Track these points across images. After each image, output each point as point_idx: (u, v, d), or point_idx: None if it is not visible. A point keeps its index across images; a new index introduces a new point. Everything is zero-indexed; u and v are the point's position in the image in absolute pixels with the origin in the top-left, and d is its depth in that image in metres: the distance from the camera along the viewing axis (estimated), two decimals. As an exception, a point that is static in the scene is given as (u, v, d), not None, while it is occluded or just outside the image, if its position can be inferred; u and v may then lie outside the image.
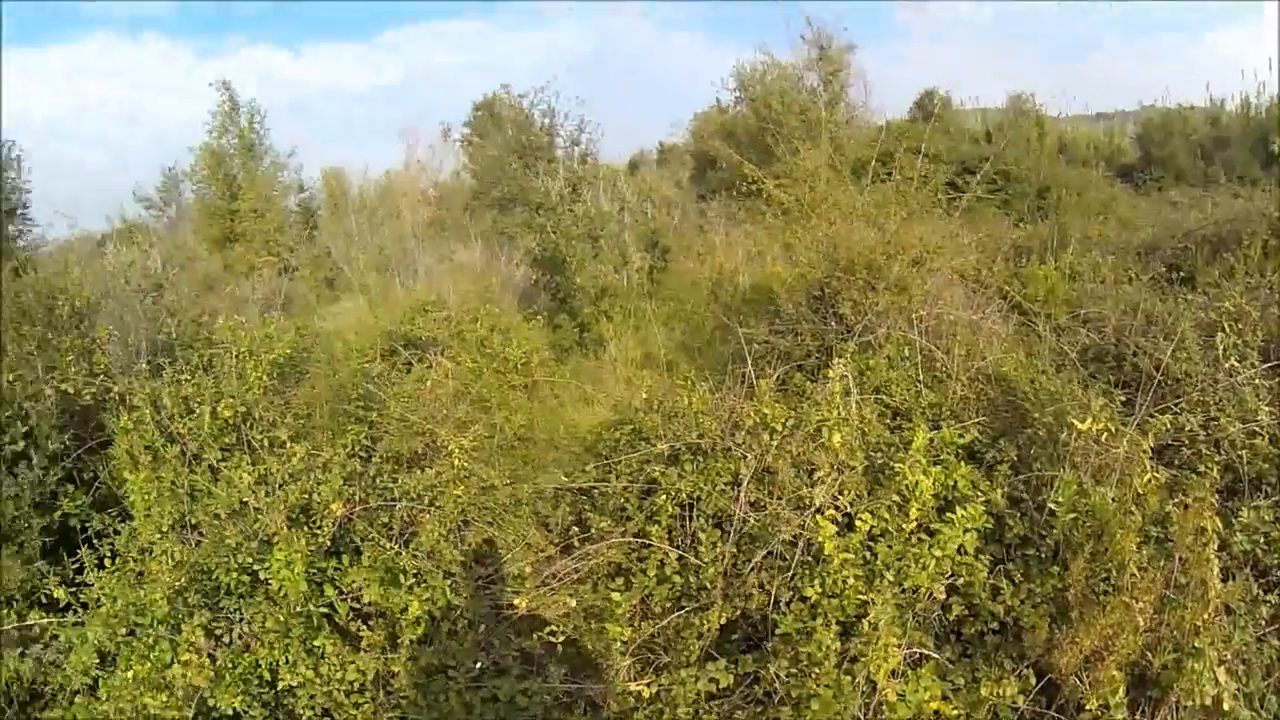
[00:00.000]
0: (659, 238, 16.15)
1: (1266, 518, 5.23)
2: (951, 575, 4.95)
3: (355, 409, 7.51)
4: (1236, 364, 6.46)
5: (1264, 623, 4.81)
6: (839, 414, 5.59)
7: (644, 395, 7.15)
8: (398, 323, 10.79)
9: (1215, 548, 4.70)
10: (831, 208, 8.74)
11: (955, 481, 5.19)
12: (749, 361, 6.77)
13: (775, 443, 5.63)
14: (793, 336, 8.15)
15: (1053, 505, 5.10)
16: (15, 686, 5.59)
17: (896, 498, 5.02)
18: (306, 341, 8.57)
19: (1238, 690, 4.48)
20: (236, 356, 6.48)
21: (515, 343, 10.42)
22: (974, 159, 17.95)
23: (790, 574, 5.15)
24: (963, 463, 5.32)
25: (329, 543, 5.67)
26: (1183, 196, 18.59)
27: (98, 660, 5.23)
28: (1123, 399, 6.27)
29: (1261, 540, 5.16)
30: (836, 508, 5.10)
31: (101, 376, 6.92)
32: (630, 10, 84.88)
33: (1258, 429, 5.96)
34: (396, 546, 5.73)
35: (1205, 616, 4.53)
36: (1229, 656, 4.55)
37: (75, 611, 5.44)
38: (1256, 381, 6.34)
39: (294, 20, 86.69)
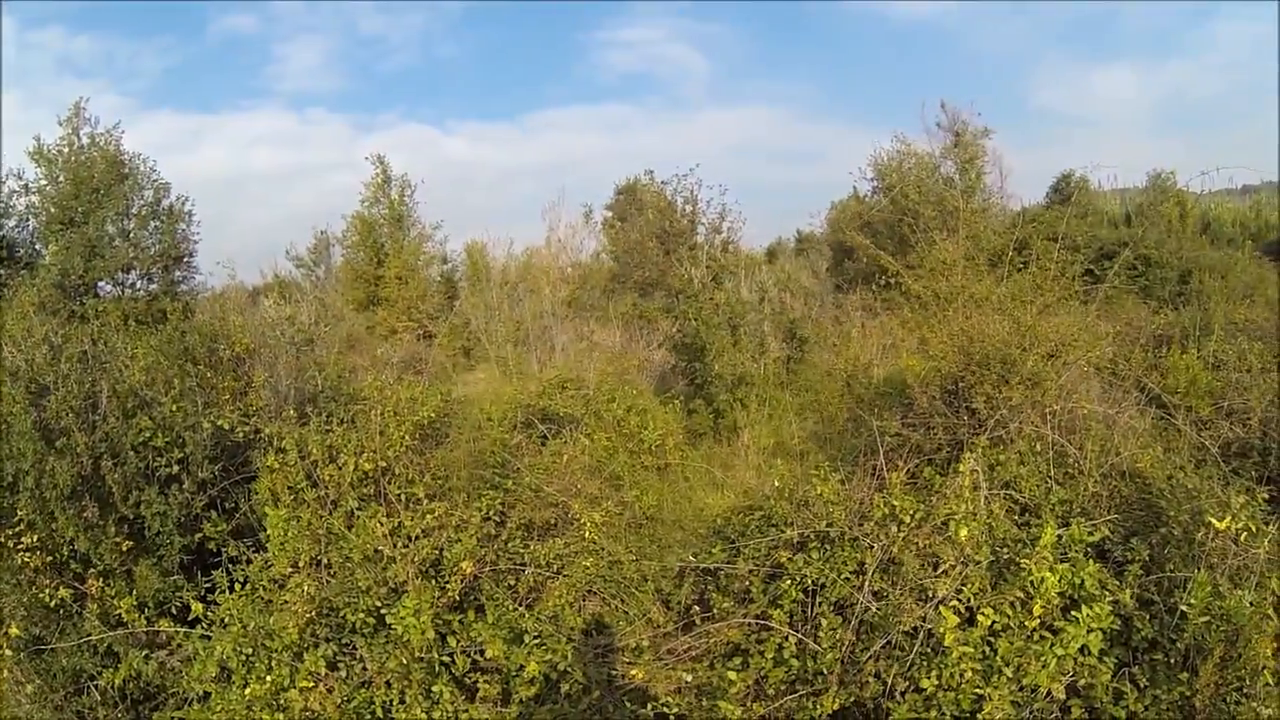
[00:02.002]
0: (797, 328, 16.17)
1: None
2: (1073, 676, 4.81)
3: (492, 476, 7.75)
4: (1399, 458, 6.17)
5: None
6: (967, 508, 5.55)
7: (776, 483, 7.21)
8: (536, 397, 10.98)
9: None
10: (967, 300, 8.71)
11: (1082, 580, 5.00)
12: (880, 454, 6.77)
13: (902, 534, 5.63)
14: (924, 430, 8.11)
15: (1185, 608, 4.95)
16: (132, 685, 5.93)
17: (1020, 594, 4.93)
18: (448, 407, 8.84)
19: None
20: (381, 414, 6.73)
21: (651, 425, 10.53)
22: (1113, 244, 17.66)
23: (908, 664, 5.10)
24: (1091, 561, 5.13)
25: (456, 598, 5.87)
26: (1342, 273, 17.70)
27: (217, 673, 5.52)
28: (1266, 496, 5.92)
29: None
30: (959, 600, 5.06)
31: (254, 417, 7.28)
32: (771, 99, 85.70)
33: None
34: (521, 609, 5.91)
35: (1338, 731, 4.36)
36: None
37: (203, 626, 5.75)
38: None
39: (445, 100, 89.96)
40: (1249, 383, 9.15)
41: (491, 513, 6.69)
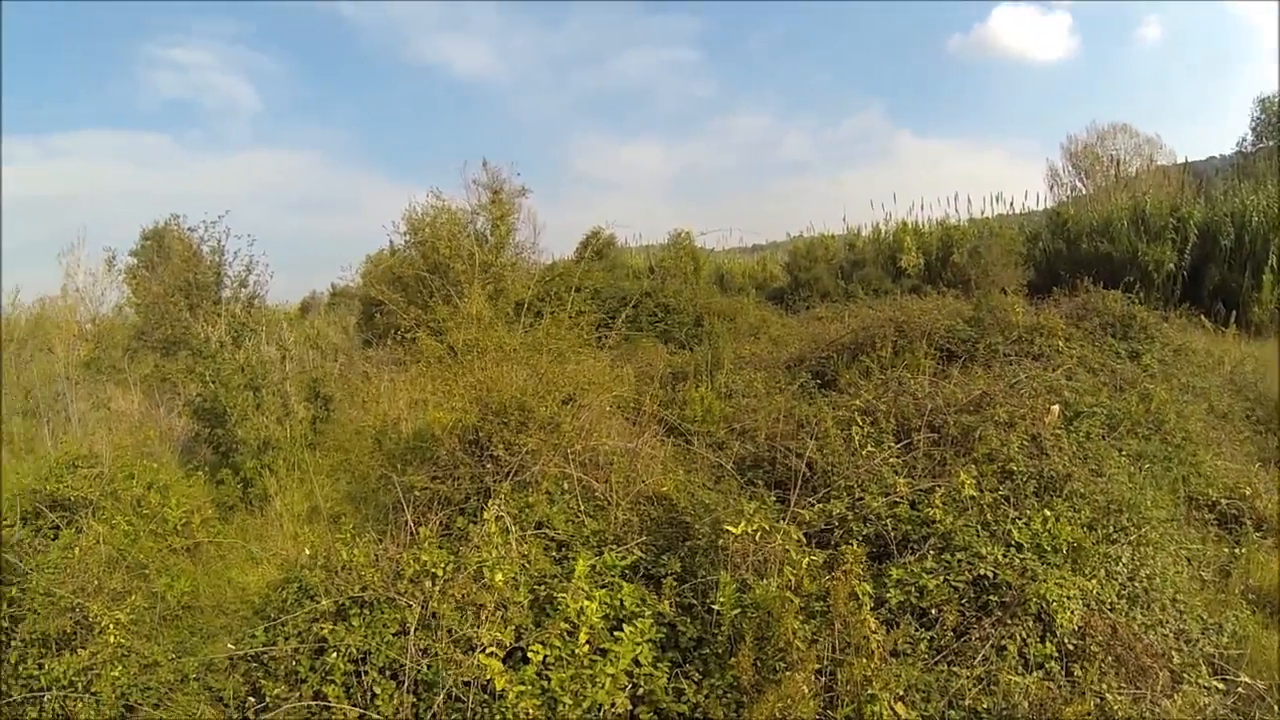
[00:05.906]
0: (320, 386, 15.88)
1: (915, 569, 6.06)
2: (634, 686, 5.27)
3: (-10, 585, 6.91)
4: (873, 449, 7.46)
5: (930, 655, 5.60)
6: (498, 553, 5.76)
7: (308, 552, 7.01)
8: (42, 480, 9.94)
9: (870, 606, 5.45)
10: (483, 352, 9.00)
11: (622, 601, 5.58)
12: (408, 509, 6.84)
13: (438, 588, 5.78)
14: (452, 481, 8.19)
15: (717, 606, 5.54)
16: None
17: (566, 625, 5.25)
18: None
19: (919, 717, 5.18)
20: None
21: (175, 501, 9.83)
22: (635, 294, 19.01)
23: (470, 714, 5.21)
24: (628, 583, 5.73)
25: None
26: (827, 312, 20.37)
27: None
28: (775, 498, 6.94)
29: (914, 590, 5.97)
30: (501, 644, 5.26)
31: None
32: (314, 144, 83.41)
33: (898, 498, 6.81)
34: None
35: (873, 666, 5.19)
36: (903, 692, 5.22)
37: None
38: (892, 460, 7.33)
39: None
40: (756, 405, 10.40)
41: (-7, 631, 5.99)
